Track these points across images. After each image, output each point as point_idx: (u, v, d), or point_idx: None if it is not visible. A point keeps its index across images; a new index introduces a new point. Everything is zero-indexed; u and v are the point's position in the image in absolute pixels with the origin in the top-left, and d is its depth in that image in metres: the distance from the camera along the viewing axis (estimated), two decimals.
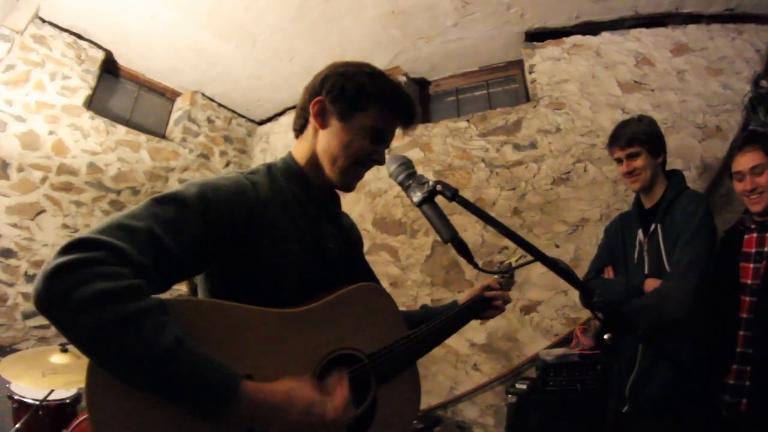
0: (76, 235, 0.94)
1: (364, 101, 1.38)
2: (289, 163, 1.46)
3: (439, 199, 1.30)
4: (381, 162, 1.46)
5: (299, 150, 1.48)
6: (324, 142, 1.41)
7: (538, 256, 1.21)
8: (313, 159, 1.43)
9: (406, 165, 1.38)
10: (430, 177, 1.35)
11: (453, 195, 1.26)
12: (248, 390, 0.97)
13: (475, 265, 1.28)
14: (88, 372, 0.92)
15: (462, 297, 1.88)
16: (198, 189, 1.16)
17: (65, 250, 0.91)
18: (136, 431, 0.94)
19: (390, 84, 1.43)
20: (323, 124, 1.40)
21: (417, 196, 1.31)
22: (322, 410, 1.08)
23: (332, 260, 1.42)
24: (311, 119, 1.41)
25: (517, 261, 2.00)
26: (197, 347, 0.95)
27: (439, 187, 1.28)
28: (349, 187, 1.48)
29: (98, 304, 0.86)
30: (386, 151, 1.50)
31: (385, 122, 1.42)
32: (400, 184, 1.37)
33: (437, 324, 1.56)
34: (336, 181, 1.43)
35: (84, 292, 0.86)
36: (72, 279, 0.87)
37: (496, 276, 1.92)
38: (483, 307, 1.82)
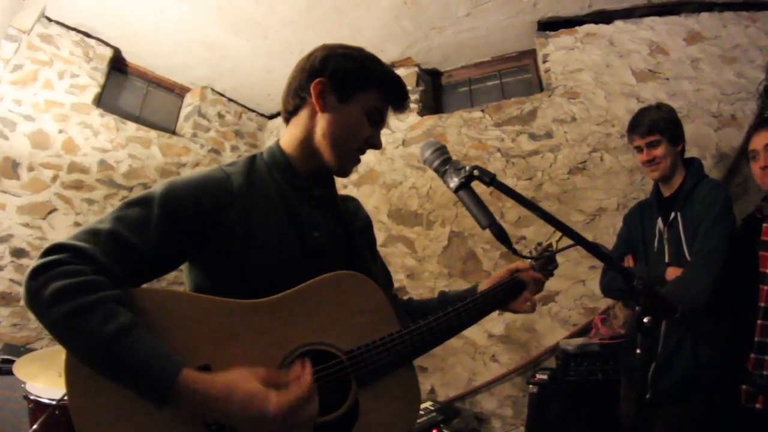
0: (54, 241, 1.06)
1: (366, 82, 1.37)
2: (273, 151, 1.42)
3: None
4: (378, 146, 1.45)
5: (289, 136, 1.43)
6: (324, 124, 1.36)
7: (579, 240, 1.20)
8: (306, 143, 1.39)
9: (441, 150, 1.34)
10: None
11: (491, 180, 1.23)
12: (187, 379, 0.97)
13: (515, 251, 1.24)
14: (66, 356, 1.02)
15: (484, 283, 1.60)
16: (164, 187, 1.20)
17: (41, 255, 1.03)
18: (104, 410, 1.01)
19: (386, 66, 1.43)
20: (324, 107, 1.35)
21: (453, 182, 1.28)
22: (263, 405, 0.99)
23: (319, 249, 1.35)
24: (311, 100, 1.36)
25: (558, 241, 1.69)
26: (145, 336, 0.99)
27: (476, 173, 1.25)
28: (346, 172, 1.44)
29: (58, 298, 0.96)
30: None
31: (383, 104, 1.41)
32: (436, 170, 1.34)
33: (443, 317, 1.37)
34: (335, 165, 1.39)
35: (49, 289, 0.97)
36: (42, 278, 0.98)
37: (529, 261, 1.64)
38: (509, 294, 1.54)
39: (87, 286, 0.99)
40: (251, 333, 1.14)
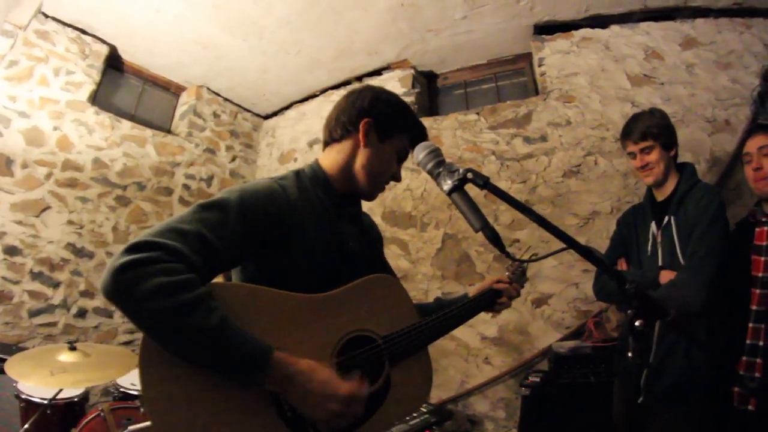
0: (137, 239, 1.13)
1: (402, 127, 1.63)
2: (315, 170, 1.62)
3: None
4: (399, 179, 1.71)
5: (330, 159, 1.63)
6: (364, 158, 1.59)
7: (571, 244, 1.21)
8: (345, 169, 1.60)
9: (435, 153, 1.38)
10: None
11: (485, 183, 1.27)
12: (279, 358, 1.17)
13: (507, 254, 1.31)
14: (142, 347, 1.11)
15: (473, 290, 2.00)
16: (237, 194, 1.34)
17: (128, 250, 1.09)
18: (181, 397, 1.13)
19: (415, 115, 1.71)
20: (367, 143, 1.58)
21: (447, 185, 1.31)
22: (337, 385, 1.23)
23: (353, 256, 1.57)
24: (356, 134, 1.58)
25: (530, 257, 2.05)
26: (237, 326, 1.15)
27: (469, 175, 1.28)
28: (373, 198, 1.69)
29: (160, 294, 1.06)
30: None
31: (409, 145, 1.64)
32: (429, 172, 1.37)
33: (447, 314, 1.70)
34: (367, 192, 1.64)
35: (147, 285, 1.05)
36: (135, 274, 1.06)
37: (506, 272, 2.08)
38: (492, 299, 1.94)
39: (187, 284, 1.11)
40: (308, 321, 1.36)
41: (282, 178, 1.52)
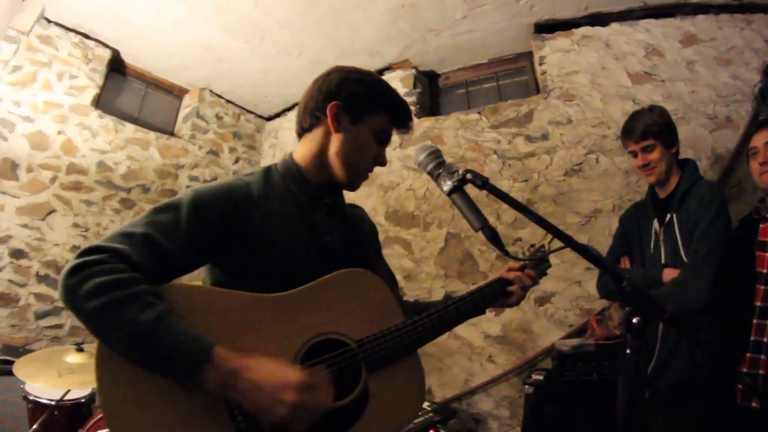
0: (88, 243, 1.16)
1: (376, 106, 1.50)
2: (288, 164, 1.54)
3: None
4: (383, 163, 1.58)
5: (303, 150, 1.55)
6: (337, 144, 1.48)
7: (569, 242, 1.21)
8: (319, 159, 1.51)
9: (435, 154, 1.39)
10: None
11: (483, 183, 1.27)
12: (221, 353, 1.09)
13: (506, 253, 1.30)
14: (97, 350, 1.10)
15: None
16: (192, 194, 1.31)
17: (77, 255, 1.13)
18: (132, 399, 1.10)
19: (394, 91, 1.56)
20: (338, 127, 1.47)
21: (447, 185, 1.31)
22: (287, 373, 1.13)
23: (331, 252, 1.46)
24: (325, 120, 1.48)
25: (550, 242, 1.78)
26: (180, 321, 1.11)
27: (469, 176, 1.29)
28: (354, 187, 1.57)
29: (97, 293, 1.06)
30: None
31: (390, 125, 1.54)
32: (430, 173, 1.38)
33: (443, 310, 1.52)
34: (346, 181, 1.52)
35: (88, 285, 1.06)
36: (79, 277, 1.08)
37: (521, 262, 1.77)
38: (501, 289, 1.70)
39: (124, 282, 1.09)
40: (269, 323, 1.25)
41: (249, 174, 1.48)
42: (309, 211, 1.47)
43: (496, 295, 1.69)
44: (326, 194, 1.54)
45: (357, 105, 1.47)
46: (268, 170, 1.51)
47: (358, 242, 1.61)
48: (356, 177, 1.54)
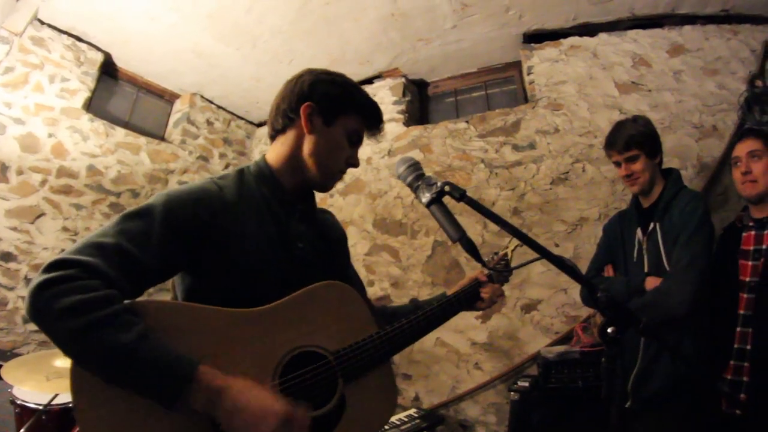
0: (55, 257, 1.09)
1: (348, 107, 1.50)
2: (261, 166, 1.53)
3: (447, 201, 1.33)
4: (356, 165, 1.58)
5: (276, 152, 1.54)
6: (311, 145, 1.48)
7: (544, 253, 1.24)
8: (292, 161, 1.50)
9: (415, 167, 1.40)
10: None
11: (461, 196, 1.29)
12: (206, 372, 1.08)
13: (484, 264, 1.33)
14: (71, 369, 1.06)
15: (452, 290, 1.88)
16: (163, 199, 1.28)
17: (45, 269, 1.07)
18: (110, 420, 1.07)
19: (365, 93, 1.58)
20: (311, 129, 1.47)
21: (426, 197, 1.33)
22: (274, 403, 1.12)
23: (303, 259, 1.47)
24: (299, 122, 1.48)
25: (513, 251, 2.09)
26: (159, 340, 1.08)
27: (447, 188, 1.30)
28: (328, 188, 1.57)
29: (72, 313, 1.01)
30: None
31: (362, 126, 1.55)
32: (409, 185, 1.39)
33: (416, 318, 1.57)
34: (319, 182, 1.53)
35: (60, 304, 1.01)
36: (50, 293, 1.02)
37: (487, 273, 1.93)
38: (475, 291, 1.85)
39: (100, 300, 1.05)
40: (246, 339, 1.25)
41: (221, 177, 1.46)
42: (282, 217, 1.47)
43: (471, 298, 1.84)
44: (299, 199, 1.54)
45: (330, 106, 1.48)
46: (240, 172, 1.50)
47: (329, 249, 1.62)
48: (329, 178, 1.54)
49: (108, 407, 1.06)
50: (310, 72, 1.54)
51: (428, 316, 1.62)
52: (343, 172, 1.56)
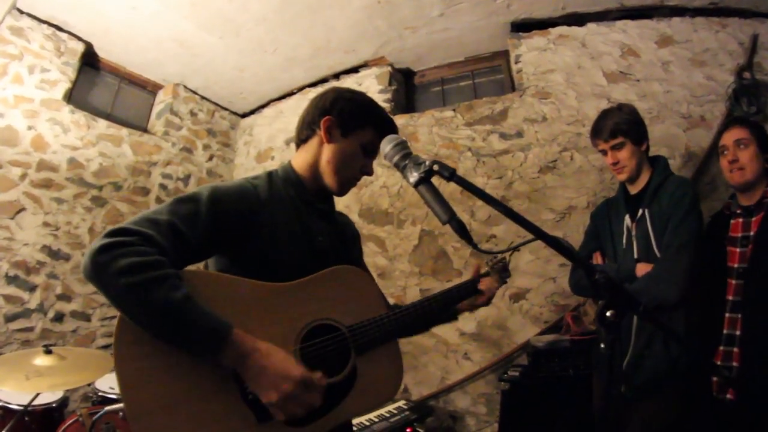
0: (114, 226, 1.26)
1: (364, 121, 1.69)
2: (287, 170, 1.73)
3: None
4: (370, 173, 1.77)
5: (301, 159, 1.74)
6: (329, 153, 1.68)
7: (540, 234, 1.20)
8: (314, 167, 1.70)
9: (402, 146, 1.35)
10: None
11: (451, 175, 1.24)
12: (238, 336, 1.26)
13: (475, 246, 1.28)
14: (117, 326, 1.22)
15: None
16: (210, 190, 1.46)
17: (106, 235, 1.23)
18: (149, 374, 1.23)
19: (382, 109, 1.78)
20: (330, 139, 1.67)
21: (413, 177, 1.28)
22: (293, 368, 1.29)
23: (322, 251, 1.65)
24: (320, 132, 1.68)
25: (510, 255, 2.16)
26: (200, 303, 1.25)
27: (436, 167, 1.25)
28: (344, 193, 1.75)
29: (131, 271, 1.17)
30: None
31: (376, 139, 1.67)
32: (396, 165, 1.34)
33: (418, 305, 1.77)
34: (335, 187, 1.71)
35: (120, 264, 1.17)
36: (112, 254, 1.19)
37: (486, 269, 2.14)
38: (473, 286, 2.03)
39: (156, 264, 1.22)
40: (271, 309, 1.43)
41: (255, 178, 1.65)
42: (305, 215, 1.66)
43: (467, 293, 2.02)
44: (319, 200, 1.74)
45: (347, 120, 1.67)
46: (270, 176, 1.69)
47: (344, 245, 1.82)
48: (345, 184, 1.72)
49: (148, 361, 1.22)
50: (334, 90, 1.76)
51: (431, 301, 1.82)
52: (358, 179, 1.76)
